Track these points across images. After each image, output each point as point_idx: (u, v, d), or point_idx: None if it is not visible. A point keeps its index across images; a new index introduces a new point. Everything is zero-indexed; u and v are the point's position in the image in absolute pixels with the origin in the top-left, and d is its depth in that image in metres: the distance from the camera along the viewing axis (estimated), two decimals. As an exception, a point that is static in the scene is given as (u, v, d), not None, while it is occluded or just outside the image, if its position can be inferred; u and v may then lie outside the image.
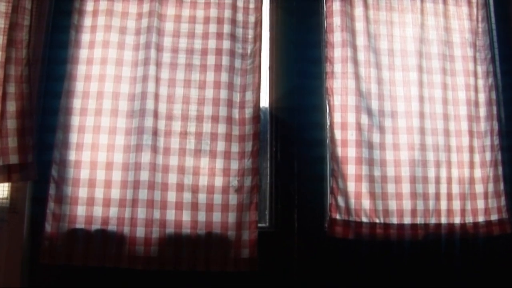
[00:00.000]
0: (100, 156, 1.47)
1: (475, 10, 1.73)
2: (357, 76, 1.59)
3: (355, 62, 1.60)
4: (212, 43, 1.55)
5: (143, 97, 1.49)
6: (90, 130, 1.48)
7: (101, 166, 1.46)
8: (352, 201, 1.53)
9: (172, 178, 1.47)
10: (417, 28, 1.67)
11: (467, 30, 1.71)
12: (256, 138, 1.50)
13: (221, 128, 1.50)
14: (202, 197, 1.46)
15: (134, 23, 1.57)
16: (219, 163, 1.48)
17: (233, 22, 1.58)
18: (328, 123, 1.59)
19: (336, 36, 1.61)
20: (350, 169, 1.54)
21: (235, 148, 1.50)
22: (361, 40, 1.62)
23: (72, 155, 1.46)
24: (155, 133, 1.47)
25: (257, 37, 1.58)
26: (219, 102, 1.51)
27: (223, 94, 1.53)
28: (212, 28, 1.57)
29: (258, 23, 1.59)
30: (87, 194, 1.44)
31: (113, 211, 1.44)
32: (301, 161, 1.58)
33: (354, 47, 1.61)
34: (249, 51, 1.57)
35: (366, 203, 1.53)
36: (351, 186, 1.53)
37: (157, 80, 1.51)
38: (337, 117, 1.57)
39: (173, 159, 1.48)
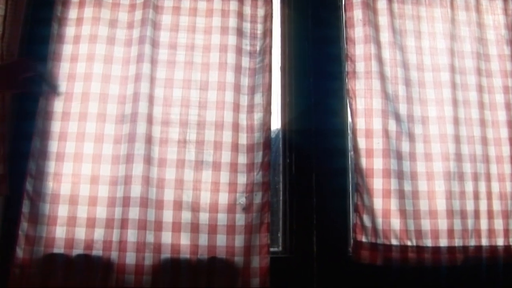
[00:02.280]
0: (84, 168, 1.28)
1: (511, 3, 1.56)
2: (382, 76, 1.40)
3: (380, 60, 1.41)
4: (215, 39, 1.37)
5: (136, 99, 1.30)
6: (73, 137, 1.29)
7: (85, 180, 1.28)
8: (380, 220, 1.32)
9: (169, 194, 1.28)
10: (447, 24, 1.50)
11: (503, 26, 1.54)
12: (267, 147, 1.31)
13: (226, 136, 1.31)
14: (203, 217, 1.27)
15: (127, 15, 1.40)
16: (224, 177, 1.29)
17: (240, 15, 1.40)
18: (351, 130, 1.39)
19: (358, 31, 1.43)
20: (377, 183, 1.33)
21: (242, 159, 1.31)
22: (385, 36, 1.44)
23: (51, 167, 1.28)
24: (149, 141, 1.28)
25: (267, 33, 1.40)
26: (223, 105, 1.33)
27: (228, 96, 1.34)
28: (216, 21, 1.39)
29: (268, 17, 1.41)
30: (68, 212, 1.26)
31: (99, 233, 1.25)
32: (320, 174, 1.37)
33: (378, 44, 1.43)
34: (258, 48, 1.39)
35: (395, 223, 1.32)
36: (378, 203, 1.33)
37: (152, 79, 1.33)
38: (360, 123, 1.37)
39: (169, 172, 1.29)
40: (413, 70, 1.44)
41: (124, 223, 1.24)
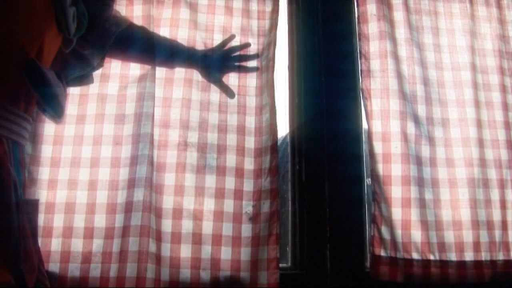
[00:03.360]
0: (82, 173, 1.18)
1: (534, -2, 1.46)
2: (399, 75, 1.30)
3: (396, 58, 1.31)
4: (218, 36, 1.28)
5: (139, 98, 1.21)
6: (69, 141, 1.19)
7: (82, 186, 1.17)
8: (399, 232, 1.21)
9: (168, 202, 1.17)
10: (466, 20, 1.39)
11: (526, 22, 1.43)
12: (274, 150, 1.21)
13: (231, 139, 1.22)
14: (207, 226, 1.16)
15: (124, 9, 1.30)
16: (229, 183, 1.19)
17: (245, 12, 1.31)
18: (366, 133, 1.28)
19: (372, 27, 1.33)
20: (395, 191, 1.22)
21: (249, 164, 1.21)
22: (401, 33, 1.34)
23: (45, 173, 1.18)
24: (151, 142, 1.18)
25: (273, 29, 1.30)
26: (226, 107, 1.24)
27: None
28: (219, 18, 1.29)
29: (274, 13, 1.32)
30: (64, 222, 1.15)
31: (98, 244, 1.14)
32: (333, 182, 1.26)
33: (394, 40, 1.33)
34: (263, 46, 1.29)
35: (416, 235, 1.21)
36: (397, 213, 1.21)
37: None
38: (376, 126, 1.26)
39: (169, 177, 1.18)
40: (431, 68, 1.34)
41: (125, 231, 1.13)
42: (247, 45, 1.23)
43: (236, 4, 1.30)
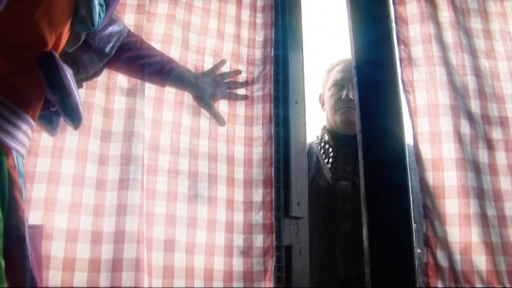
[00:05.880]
0: (61, 192, 1.02)
1: None
2: (446, 63, 1.09)
3: (441, 43, 1.10)
4: (208, 59, 1.22)
5: (129, 115, 1.11)
6: (46, 152, 1.03)
7: (62, 208, 1.01)
8: (458, 257, 0.97)
9: (158, 232, 1.06)
10: (520, 2, 1.20)
11: None
12: (268, 185, 1.15)
13: (221, 169, 1.15)
14: (199, 260, 1.08)
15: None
16: (220, 214, 1.12)
17: (237, 38, 1.26)
18: (411, 134, 1.06)
19: (410, 8, 1.13)
20: (450, 206, 0.99)
21: (239, 196, 1.15)
22: (445, 16, 1.14)
23: None
24: (142, 165, 1.08)
25: (267, 60, 1.24)
26: (216, 135, 1.17)
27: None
28: (210, 42, 1.24)
29: (268, 42, 1.26)
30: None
31: (80, 278, 0.99)
32: (372, 194, 1.02)
33: (437, 24, 1.13)
34: (255, 75, 1.24)
35: (480, 261, 0.97)
36: (454, 234, 0.98)
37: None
38: (423, 124, 1.05)
39: (159, 206, 1.09)
40: (482, 58, 1.14)
41: (116, 264, 1.00)
42: (237, 72, 1.21)
43: (228, 28, 1.26)
